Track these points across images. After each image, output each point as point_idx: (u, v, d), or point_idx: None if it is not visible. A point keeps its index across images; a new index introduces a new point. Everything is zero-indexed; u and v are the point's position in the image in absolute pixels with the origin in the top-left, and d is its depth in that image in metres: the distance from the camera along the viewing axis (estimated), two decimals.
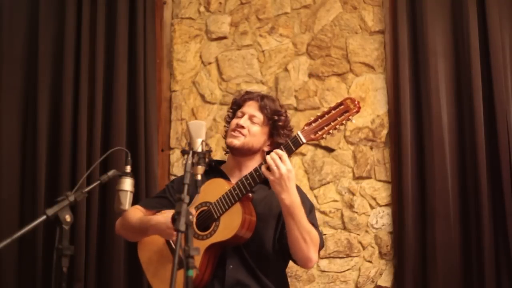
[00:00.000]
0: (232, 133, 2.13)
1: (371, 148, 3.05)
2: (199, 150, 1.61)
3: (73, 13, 3.09)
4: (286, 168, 1.89)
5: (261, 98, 2.18)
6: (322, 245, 2.07)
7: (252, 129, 2.13)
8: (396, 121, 2.95)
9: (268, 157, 1.92)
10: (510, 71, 2.86)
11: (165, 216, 2.04)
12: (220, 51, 3.27)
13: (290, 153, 1.94)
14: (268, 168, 1.91)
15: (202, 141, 1.64)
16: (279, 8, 3.24)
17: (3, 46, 3.10)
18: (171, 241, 2.13)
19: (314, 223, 2.06)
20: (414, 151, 2.89)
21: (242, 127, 2.12)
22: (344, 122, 1.91)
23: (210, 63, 3.27)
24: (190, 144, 1.65)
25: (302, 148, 3.06)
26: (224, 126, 2.30)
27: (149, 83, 3.11)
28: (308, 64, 3.16)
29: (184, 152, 1.63)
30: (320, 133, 1.92)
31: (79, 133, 2.99)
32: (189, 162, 1.58)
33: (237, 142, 2.12)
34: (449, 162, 2.83)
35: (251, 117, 2.15)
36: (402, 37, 2.95)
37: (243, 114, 2.16)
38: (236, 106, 2.23)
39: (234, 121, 2.17)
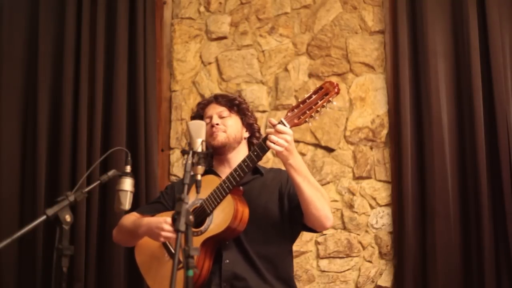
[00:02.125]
0: (212, 135, 2.18)
1: (371, 148, 3.05)
2: (199, 150, 1.62)
3: (73, 13, 3.10)
4: (289, 135, 1.93)
5: (214, 98, 2.29)
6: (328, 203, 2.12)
7: (226, 122, 2.21)
8: (396, 121, 2.95)
9: (271, 137, 1.93)
10: (510, 71, 2.86)
11: (157, 217, 2.07)
12: (220, 51, 3.27)
13: None
14: (272, 142, 1.94)
15: (202, 141, 1.64)
16: (279, 8, 3.24)
17: (3, 46, 3.10)
18: (167, 242, 2.13)
19: None
20: (414, 151, 2.89)
21: (217, 124, 2.19)
22: (325, 104, 1.96)
23: (210, 63, 3.27)
24: (190, 144, 1.65)
25: (302, 148, 3.07)
26: None
27: (149, 83, 3.11)
28: (308, 64, 3.16)
29: (184, 152, 1.63)
30: (303, 117, 1.96)
31: (79, 133, 2.99)
32: (189, 162, 1.58)
33: (221, 138, 2.18)
34: (449, 162, 2.83)
35: (219, 114, 2.22)
36: (402, 37, 2.95)
37: (210, 117, 2.23)
38: (199, 118, 2.27)
39: (207, 128, 2.19)
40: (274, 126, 1.93)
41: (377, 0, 3.15)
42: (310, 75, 3.15)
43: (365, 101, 3.08)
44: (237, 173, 2.00)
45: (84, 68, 3.06)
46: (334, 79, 3.08)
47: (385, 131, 3.06)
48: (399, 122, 2.90)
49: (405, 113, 2.89)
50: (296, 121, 1.96)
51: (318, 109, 1.96)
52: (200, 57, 3.29)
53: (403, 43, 2.94)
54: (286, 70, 3.18)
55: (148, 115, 3.08)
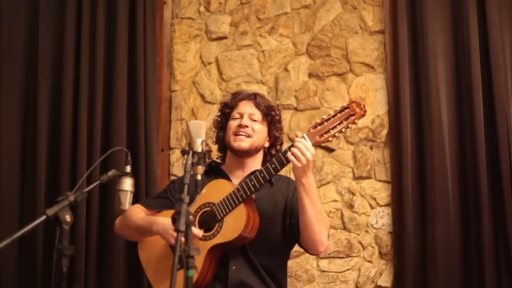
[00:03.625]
0: (237, 136, 2.14)
1: (371, 148, 3.05)
2: (199, 150, 1.61)
3: (73, 13, 3.09)
4: (311, 153, 1.90)
5: (254, 96, 2.22)
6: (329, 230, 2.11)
7: (255, 127, 2.16)
8: (396, 121, 2.95)
9: (294, 149, 1.91)
10: (510, 71, 2.86)
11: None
12: (220, 51, 3.27)
13: None
14: (294, 156, 1.91)
15: (202, 141, 1.64)
16: (279, 8, 3.24)
17: (3, 46, 3.10)
18: None
19: None
20: (414, 151, 2.88)
21: (246, 126, 2.14)
22: (350, 125, 1.92)
23: (210, 63, 3.27)
24: (190, 144, 1.65)
25: None
26: (214, 131, 2.30)
27: (149, 83, 3.11)
28: (308, 64, 3.16)
29: (184, 152, 1.63)
30: (326, 136, 1.93)
31: (79, 133, 2.99)
32: (189, 162, 1.58)
33: (245, 144, 2.14)
34: (449, 162, 2.83)
35: (250, 116, 2.18)
36: (402, 37, 2.95)
37: (242, 114, 2.18)
38: (229, 108, 2.23)
39: (234, 123, 2.18)
40: (299, 143, 1.90)
41: (377, 0, 3.15)
42: (310, 75, 3.15)
43: (365, 101, 3.08)
44: (252, 183, 1.98)
45: (84, 68, 3.06)
46: (334, 79, 3.11)
47: (385, 131, 3.06)
48: (399, 122, 2.90)
49: (405, 113, 2.88)
50: (318, 138, 1.94)
51: (343, 129, 1.92)
52: (200, 57, 3.29)
53: (403, 43, 2.94)
54: (286, 70, 3.18)
55: (148, 115, 3.07)
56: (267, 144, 2.22)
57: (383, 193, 3.01)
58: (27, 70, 3.13)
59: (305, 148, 1.89)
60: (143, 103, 3.07)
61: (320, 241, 1.99)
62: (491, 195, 2.77)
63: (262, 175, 1.98)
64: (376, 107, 3.08)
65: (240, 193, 1.99)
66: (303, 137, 1.93)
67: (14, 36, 3.13)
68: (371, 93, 3.09)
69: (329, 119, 1.94)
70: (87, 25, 3.09)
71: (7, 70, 3.09)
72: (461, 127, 2.87)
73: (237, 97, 2.24)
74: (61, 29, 3.10)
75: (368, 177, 3.03)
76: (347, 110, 1.92)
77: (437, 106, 2.85)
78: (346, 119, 1.92)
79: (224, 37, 3.27)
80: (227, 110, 2.23)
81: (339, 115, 1.93)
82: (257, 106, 2.20)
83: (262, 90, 3.16)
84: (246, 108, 2.19)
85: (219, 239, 2.00)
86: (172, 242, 2.00)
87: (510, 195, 2.72)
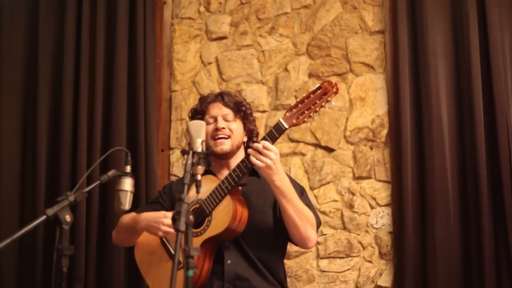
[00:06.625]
0: (217, 141, 2.15)
1: (371, 148, 3.05)
2: (199, 150, 1.62)
3: (73, 13, 3.09)
4: (274, 152, 1.93)
5: (221, 97, 2.23)
6: (319, 224, 2.13)
7: (231, 127, 2.18)
8: (396, 121, 2.95)
9: (251, 151, 1.95)
10: (510, 71, 2.86)
11: (154, 212, 2.07)
12: (220, 51, 3.27)
13: (274, 140, 1.97)
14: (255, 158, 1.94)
15: (202, 141, 1.64)
16: (279, 8, 3.24)
17: (3, 46, 3.10)
18: (166, 242, 2.13)
19: (307, 204, 2.11)
20: (414, 151, 2.89)
21: (223, 128, 2.16)
22: (323, 104, 1.95)
23: (210, 63, 3.27)
24: (190, 144, 1.65)
25: (302, 148, 3.07)
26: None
27: (149, 83, 3.11)
28: (308, 64, 3.16)
29: (184, 152, 1.64)
30: (301, 117, 1.96)
31: (79, 133, 2.99)
32: (189, 162, 1.58)
33: (226, 147, 2.16)
34: (449, 162, 2.83)
35: (224, 117, 2.19)
36: (402, 37, 2.95)
37: (215, 117, 2.19)
38: (200, 114, 2.22)
39: (209, 128, 2.17)
40: (258, 144, 1.93)
41: (377, 0, 3.15)
42: (310, 75, 3.15)
43: (365, 101, 3.08)
44: (236, 173, 2.00)
45: (84, 68, 3.06)
46: (334, 79, 3.09)
47: (385, 131, 3.06)
48: (399, 122, 2.90)
49: (405, 113, 2.89)
50: (294, 121, 1.96)
51: (317, 109, 1.95)
52: (200, 57, 3.29)
53: (403, 43, 2.94)
54: (286, 70, 3.18)
55: (148, 115, 3.07)
56: (245, 139, 2.25)
57: (383, 193, 3.01)
58: (27, 70, 3.13)
59: (266, 148, 1.92)
60: (143, 103, 3.07)
61: (306, 237, 2.03)
62: (491, 195, 2.77)
63: (244, 164, 2.00)
64: (376, 107, 3.08)
65: (225, 185, 2.01)
66: (279, 122, 1.95)
67: (14, 36, 3.13)
68: (371, 93, 3.09)
69: (302, 101, 1.97)
70: (87, 25, 3.09)
71: (7, 70, 3.09)
72: (461, 127, 2.87)
73: (205, 102, 2.24)
74: (61, 29, 3.10)
75: (368, 177, 3.03)
76: (320, 91, 1.96)
77: (437, 106, 2.86)
78: (319, 98, 1.95)
79: (224, 37, 3.27)
80: (198, 117, 2.22)
81: (312, 96, 1.96)
82: (226, 105, 2.20)
83: (262, 90, 3.17)
84: (217, 110, 2.20)
85: (209, 233, 2.02)
86: (159, 234, 2.02)
87: (510, 195, 2.72)
